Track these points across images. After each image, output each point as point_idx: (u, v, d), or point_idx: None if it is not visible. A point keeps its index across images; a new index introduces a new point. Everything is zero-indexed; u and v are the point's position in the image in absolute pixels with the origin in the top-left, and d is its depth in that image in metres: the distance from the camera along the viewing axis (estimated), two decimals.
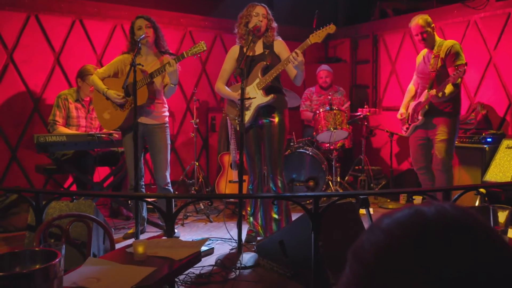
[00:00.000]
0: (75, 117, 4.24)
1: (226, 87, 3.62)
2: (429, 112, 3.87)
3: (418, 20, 3.80)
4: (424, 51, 4.04)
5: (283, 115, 3.54)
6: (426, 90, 3.87)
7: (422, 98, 3.90)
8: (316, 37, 3.26)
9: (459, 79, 3.69)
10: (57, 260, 1.28)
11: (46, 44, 4.80)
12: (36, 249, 1.43)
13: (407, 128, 4.09)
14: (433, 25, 3.86)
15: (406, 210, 0.55)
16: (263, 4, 3.54)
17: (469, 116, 4.92)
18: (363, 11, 6.60)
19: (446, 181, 3.86)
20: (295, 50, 3.25)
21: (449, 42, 3.86)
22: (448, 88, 3.70)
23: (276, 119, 3.51)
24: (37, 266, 1.33)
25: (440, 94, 3.68)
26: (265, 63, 3.43)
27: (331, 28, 3.25)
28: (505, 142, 4.31)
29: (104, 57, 5.11)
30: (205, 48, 3.40)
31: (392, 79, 6.16)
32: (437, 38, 3.90)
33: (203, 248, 3.26)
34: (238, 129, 3.31)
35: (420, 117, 3.90)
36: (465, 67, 3.60)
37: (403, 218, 0.53)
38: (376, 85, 6.39)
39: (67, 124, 4.22)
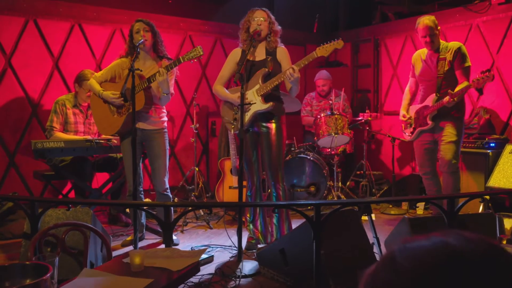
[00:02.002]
0: (73, 123, 4.20)
1: (225, 89, 3.59)
2: (437, 116, 3.81)
3: (426, 21, 3.70)
4: (423, 52, 3.95)
5: (281, 121, 3.51)
6: (434, 94, 3.81)
7: (430, 103, 3.82)
8: (323, 50, 3.25)
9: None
10: (48, 275, 1.23)
11: (44, 48, 4.76)
12: (27, 263, 1.38)
13: (411, 133, 4.01)
14: (439, 27, 3.79)
15: (430, 241, 0.48)
16: (263, 8, 3.50)
17: (472, 120, 4.87)
18: (364, 15, 6.56)
19: (453, 183, 3.80)
20: (292, 66, 3.25)
21: (454, 44, 3.79)
22: (460, 92, 3.65)
23: (274, 126, 3.47)
24: (28, 281, 1.28)
25: (456, 99, 3.62)
26: (267, 70, 3.40)
27: (338, 44, 3.25)
28: (509, 147, 4.25)
29: (103, 61, 5.07)
30: (201, 53, 3.35)
31: (393, 83, 6.11)
32: (441, 41, 3.84)
33: (203, 256, 3.21)
34: (232, 132, 3.27)
35: (429, 122, 3.83)
36: (492, 73, 3.54)
37: (429, 253, 0.47)
38: (377, 90, 6.34)
39: (65, 130, 4.18)
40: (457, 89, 3.66)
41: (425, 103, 3.89)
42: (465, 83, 3.67)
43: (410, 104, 4.09)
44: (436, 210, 4.05)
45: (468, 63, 3.76)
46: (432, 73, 3.84)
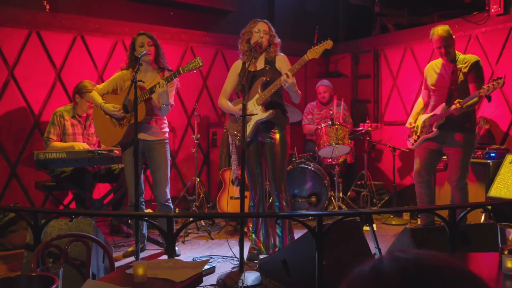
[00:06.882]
0: (71, 134, 4.20)
1: (229, 102, 3.61)
2: (446, 126, 3.75)
3: (440, 31, 3.64)
4: (436, 63, 3.90)
5: (284, 131, 3.51)
6: (444, 104, 3.75)
7: (438, 111, 3.78)
8: (314, 53, 3.25)
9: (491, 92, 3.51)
10: (54, 286, 1.23)
11: (47, 60, 4.79)
12: (33, 274, 1.38)
13: (415, 141, 3.96)
14: (453, 36, 3.73)
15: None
16: (265, 21, 3.54)
17: None
18: (364, 26, 6.62)
19: (460, 199, 3.76)
20: (286, 72, 3.24)
21: (472, 57, 3.74)
22: (471, 101, 3.59)
23: (277, 136, 3.48)
24: None
25: (464, 106, 3.56)
26: (264, 78, 3.42)
27: (328, 44, 3.23)
28: (509, 157, 4.26)
29: (105, 73, 5.10)
30: (200, 64, 3.39)
31: (393, 94, 6.14)
32: (457, 52, 3.78)
33: (204, 267, 3.20)
34: (237, 144, 3.29)
35: (434, 129, 3.77)
36: (504, 80, 3.44)
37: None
38: (377, 100, 6.37)
39: (62, 141, 4.16)
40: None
41: (434, 112, 3.85)
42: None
43: (419, 113, 4.04)
44: (425, 220, 4.04)
45: (483, 79, 3.70)
46: (445, 83, 3.78)
